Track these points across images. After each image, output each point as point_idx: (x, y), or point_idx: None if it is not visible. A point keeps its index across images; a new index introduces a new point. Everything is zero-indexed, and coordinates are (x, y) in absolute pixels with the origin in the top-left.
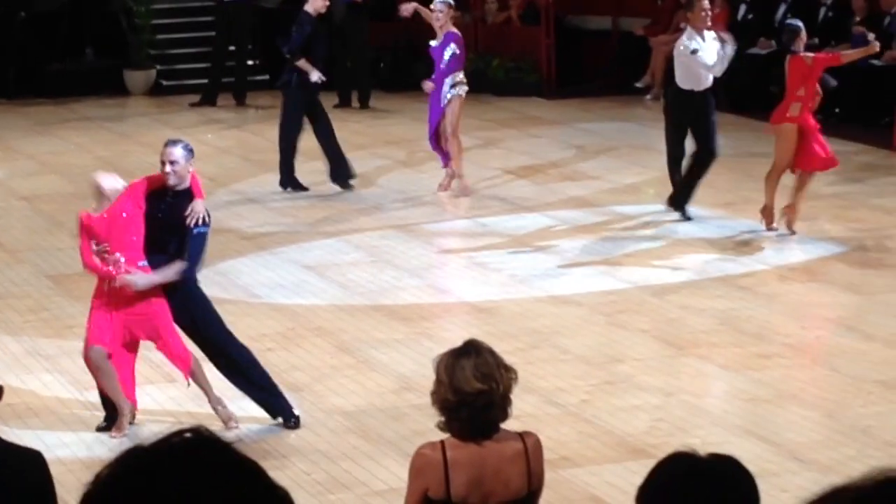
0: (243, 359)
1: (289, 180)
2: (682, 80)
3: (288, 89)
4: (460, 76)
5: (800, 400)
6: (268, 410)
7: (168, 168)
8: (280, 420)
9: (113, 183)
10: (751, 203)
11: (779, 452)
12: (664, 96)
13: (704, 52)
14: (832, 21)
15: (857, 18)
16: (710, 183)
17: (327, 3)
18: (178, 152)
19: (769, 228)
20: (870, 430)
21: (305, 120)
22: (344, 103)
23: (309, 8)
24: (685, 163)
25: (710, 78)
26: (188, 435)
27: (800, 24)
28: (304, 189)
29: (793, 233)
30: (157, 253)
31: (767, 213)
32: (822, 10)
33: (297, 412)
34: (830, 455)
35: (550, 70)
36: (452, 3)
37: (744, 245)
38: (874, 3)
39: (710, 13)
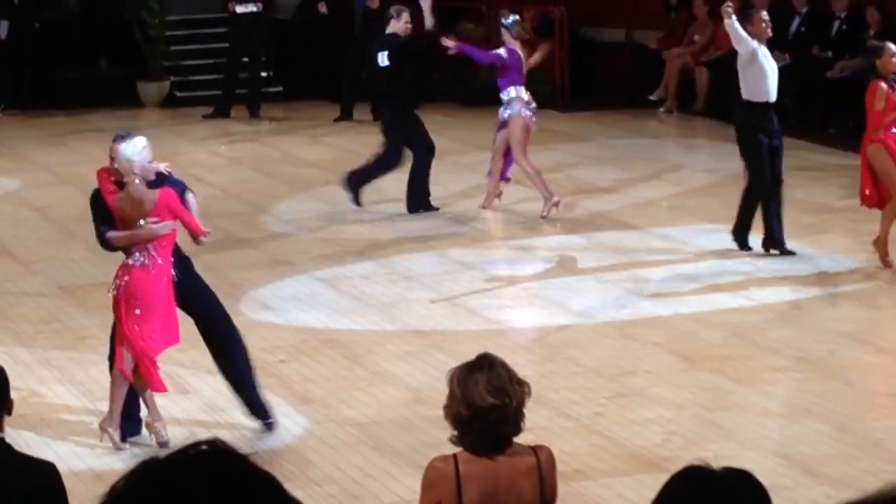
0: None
1: (420, 203)
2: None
3: (388, 115)
4: (522, 93)
5: (812, 413)
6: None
7: (117, 164)
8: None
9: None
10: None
11: (791, 466)
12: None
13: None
14: (846, 34)
15: (872, 32)
16: (722, 195)
17: (409, 24)
18: None
19: (886, 265)
20: (883, 444)
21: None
22: (346, 116)
23: (392, 30)
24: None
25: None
26: (204, 447)
27: (881, 43)
28: (435, 209)
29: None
30: None
31: (881, 247)
32: (836, 24)
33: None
34: (843, 469)
35: (564, 82)
36: (506, 23)
37: (756, 258)
38: (889, 15)
39: (769, 23)
